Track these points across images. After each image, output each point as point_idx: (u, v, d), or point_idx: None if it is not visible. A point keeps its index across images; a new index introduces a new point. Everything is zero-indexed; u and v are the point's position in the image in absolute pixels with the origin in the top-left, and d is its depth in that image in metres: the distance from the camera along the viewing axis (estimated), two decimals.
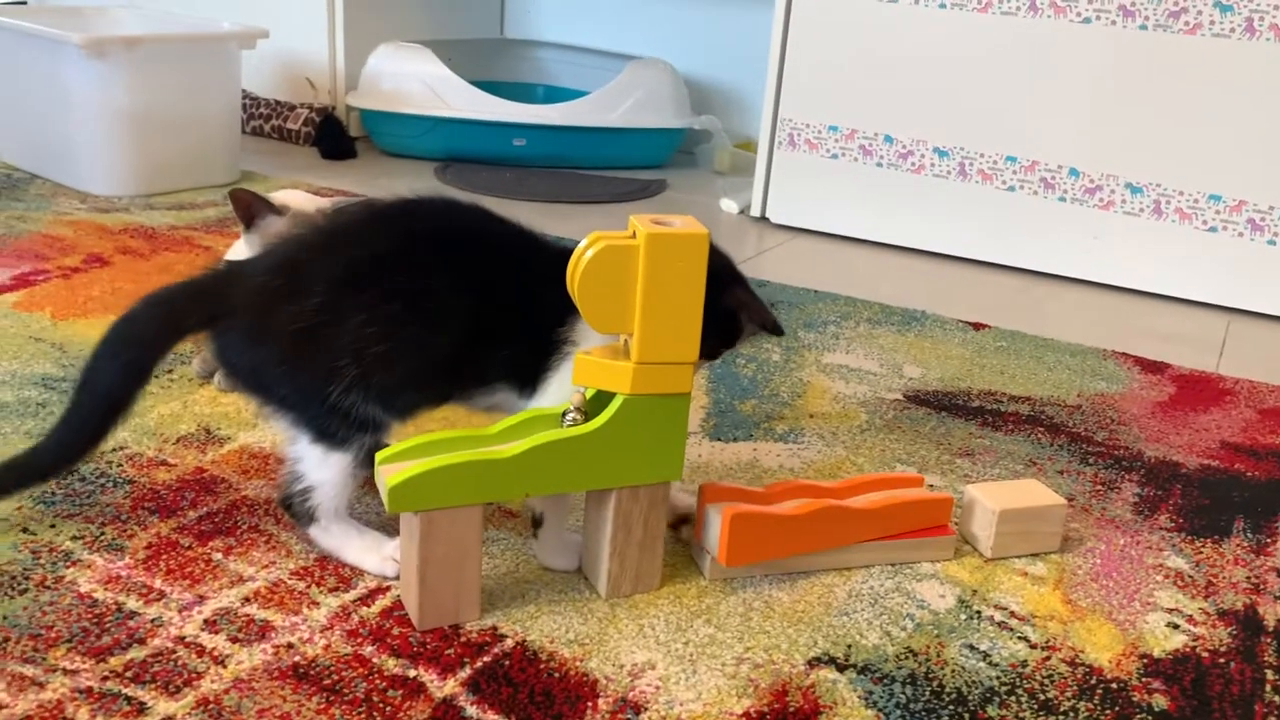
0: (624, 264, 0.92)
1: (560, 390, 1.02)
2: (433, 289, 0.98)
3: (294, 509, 1.03)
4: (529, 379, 1.03)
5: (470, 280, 0.99)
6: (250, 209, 1.40)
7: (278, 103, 2.88)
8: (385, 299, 0.96)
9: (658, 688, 0.90)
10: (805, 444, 1.37)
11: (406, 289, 0.97)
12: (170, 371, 1.42)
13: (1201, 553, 1.18)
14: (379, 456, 0.95)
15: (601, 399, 0.98)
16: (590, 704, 0.87)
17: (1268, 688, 0.96)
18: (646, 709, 0.87)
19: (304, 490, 1.02)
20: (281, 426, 1.02)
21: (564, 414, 0.98)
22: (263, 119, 2.90)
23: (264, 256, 1.06)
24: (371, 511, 1.13)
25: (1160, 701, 0.93)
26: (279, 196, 1.46)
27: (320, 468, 1.01)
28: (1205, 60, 1.97)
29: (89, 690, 0.85)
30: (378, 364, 0.96)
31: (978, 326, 1.85)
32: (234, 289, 1.00)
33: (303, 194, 1.50)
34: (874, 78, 2.25)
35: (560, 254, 0.98)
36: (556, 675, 0.90)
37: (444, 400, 1.06)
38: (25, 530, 1.05)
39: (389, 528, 1.07)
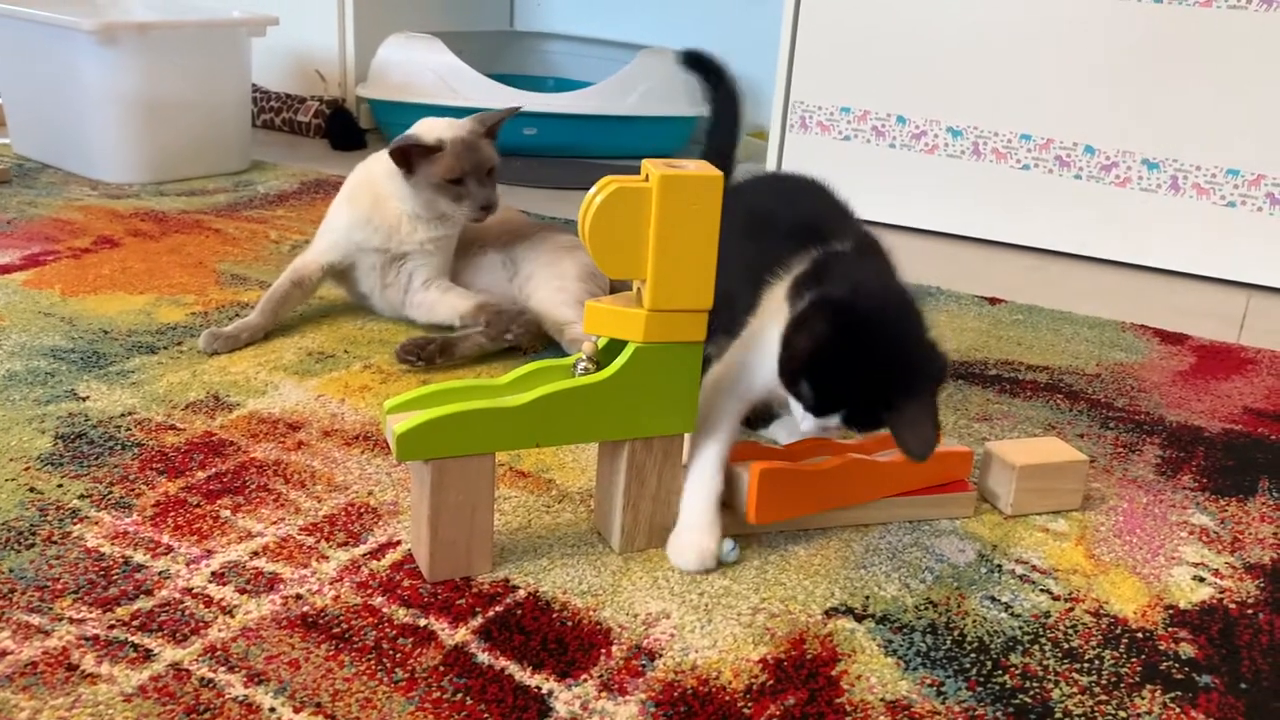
0: (636, 207, 0.90)
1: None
2: None
3: None
4: None
5: None
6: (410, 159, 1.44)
7: (288, 96, 2.88)
8: None
9: (672, 635, 0.88)
10: None
11: None
12: (180, 344, 1.41)
13: (1226, 510, 1.16)
14: (387, 405, 0.93)
15: (613, 348, 0.96)
16: (604, 651, 0.85)
17: None
18: (661, 656, 0.85)
19: None
20: None
21: (575, 363, 0.97)
22: (273, 112, 2.90)
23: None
24: (385, 473, 1.12)
25: (1187, 650, 0.91)
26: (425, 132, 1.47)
27: None
28: (1222, 32, 1.94)
29: (95, 638, 0.83)
30: None
31: (993, 301, 1.83)
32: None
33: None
34: (886, 57, 2.23)
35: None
36: (569, 624, 0.89)
37: None
38: (32, 489, 1.04)
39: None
